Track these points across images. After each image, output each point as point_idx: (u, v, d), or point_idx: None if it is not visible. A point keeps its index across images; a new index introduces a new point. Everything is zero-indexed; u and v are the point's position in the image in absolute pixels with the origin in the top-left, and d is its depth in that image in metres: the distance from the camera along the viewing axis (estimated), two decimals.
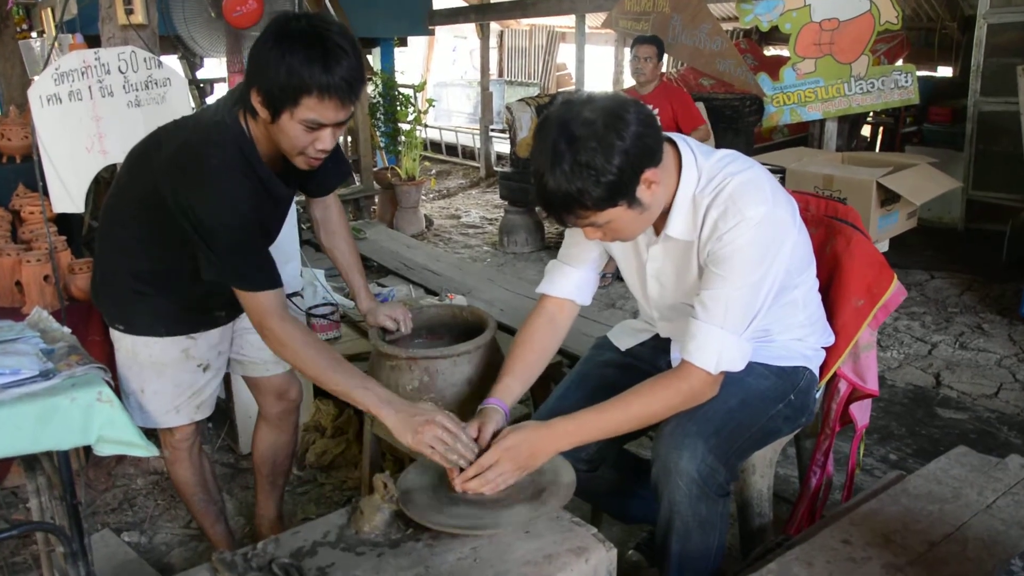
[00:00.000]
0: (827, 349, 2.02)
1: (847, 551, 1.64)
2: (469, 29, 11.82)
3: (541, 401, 2.39)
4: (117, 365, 2.14)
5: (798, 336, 1.92)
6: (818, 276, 1.95)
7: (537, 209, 6.42)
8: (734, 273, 1.64)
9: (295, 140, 1.72)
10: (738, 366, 1.69)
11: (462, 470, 1.67)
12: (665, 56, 5.35)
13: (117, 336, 2.11)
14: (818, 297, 1.97)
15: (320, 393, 3.15)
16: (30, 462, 2.09)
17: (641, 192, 1.60)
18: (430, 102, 8.27)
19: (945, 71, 8.94)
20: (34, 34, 5.33)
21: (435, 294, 4.05)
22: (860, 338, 2.07)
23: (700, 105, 5.74)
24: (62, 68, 2.70)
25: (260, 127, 1.78)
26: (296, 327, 1.82)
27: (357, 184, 6.85)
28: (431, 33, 10.17)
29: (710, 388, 1.71)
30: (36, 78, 2.81)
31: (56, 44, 3.36)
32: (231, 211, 1.75)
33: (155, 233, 1.91)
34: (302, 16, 1.67)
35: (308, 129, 1.70)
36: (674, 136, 1.73)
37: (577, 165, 1.51)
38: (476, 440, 1.72)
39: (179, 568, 2.55)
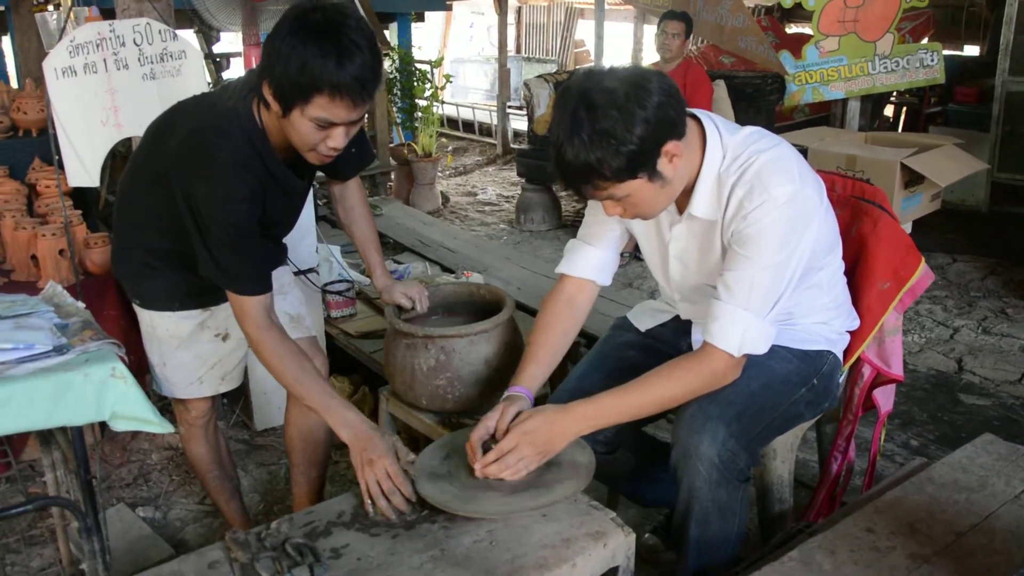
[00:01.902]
0: (851, 333, 1.98)
1: (871, 540, 1.60)
2: (487, 4, 11.70)
3: (558, 381, 2.36)
4: (142, 338, 2.15)
5: (822, 319, 1.88)
6: (843, 258, 1.91)
7: (555, 187, 6.37)
8: (759, 254, 1.60)
9: (306, 137, 1.67)
10: (761, 349, 1.65)
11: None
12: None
13: (137, 310, 2.12)
14: (843, 280, 1.93)
15: (335, 369, 3.13)
16: (45, 437, 2.09)
17: (662, 165, 1.56)
18: (447, 78, 8.19)
19: (972, 50, 8.78)
20: (51, 7, 5.31)
21: (451, 271, 4.02)
22: (885, 322, 2.02)
23: (720, 83, 5.65)
24: (77, 40, 2.67)
25: (273, 118, 1.72)
26: (271, 336, 1.80)
27: (374, 160, 6.81)
28: (448, 8, 10.10)
29: (732, 371, 1.67)
30: (51, 51, 2.78)
31: (72, 16, 3.32)
32: (230, 211, 1.72)
33: (170, 212, 1.86)
34: (319, 8, 1.59)
35: (319, 127, 1.64)
36: (698, 112, 1.69)
37: (596, 134, 1.48)
38: (497, 424, 1.69)
39: (194, 544, 2.55)
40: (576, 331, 1.95)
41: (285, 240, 2.16)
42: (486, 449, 1.67)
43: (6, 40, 6.28)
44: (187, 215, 1.75)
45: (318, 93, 1.58)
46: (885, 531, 1.63)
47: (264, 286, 1.81)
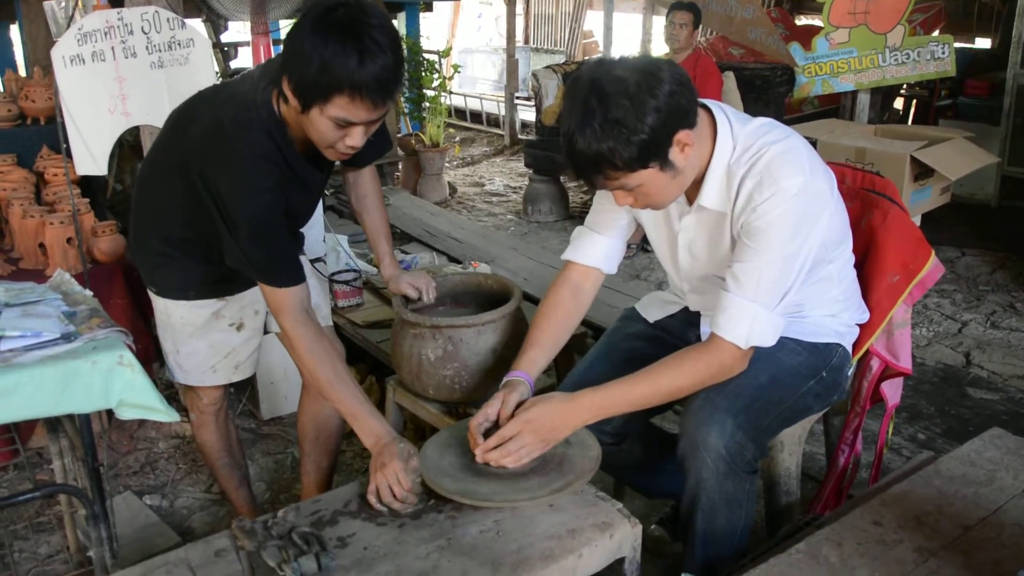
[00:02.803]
0: (860, 326, 1.97)
1: (878, 533, 1.60)
2: None
3: (564, 372, 2.36)
4: (155, 325, 2.17)
5: (832, 312, 1.87)
6: (853, 250, 1.90)
7: (562, 178, 6.36)
8: (768, 246, 1.59)
9: (324, 135, 1.66)
10: (769, 341, 1.65)
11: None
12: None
13: (152, 297, 2.12)
14: (853, 272, 1.92)
15: None
16: (53, 424, 2.10)
17: (674, 154, 1.55)
18: (455, 68, 8.16)
19: (983, 42, 8.72)
20: None
21: (458, 262, 4.02)
22: (894, 315, 2.01)
23: (729, 75, 5.63)
24: (85, 28, 2.67)
25: (292, 112, 1.70)
26: (307, 332, 1.79)
27: (390, 149, 6.79)
28: None
29: (739, 363, 1.66)
30: (59, 39, 2.78)
31: (80, 4, 3.32)
32: (255, 202, 1.72)
33: (189, 202, 1.85)
34: (341, 5, 1.56)
35: (338, 126, 1.63)
36: (709, 103, 1.68)
37: (608, 123, 1.46)
38: (500, 411, 1.69)
39: (200, 532, 2.56)
40: (579, 318, 1.95)
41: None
42: (488, 436, 1.67)
43: (14, 28, 6.28)
44: (213, 209, 1.75)
45: (338, 93, 1.56)
46: (892, 524, 1.62)
47: (297, 276, 1.80)
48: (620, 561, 1.59)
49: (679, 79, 1.51)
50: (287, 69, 1.61)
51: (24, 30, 4.91)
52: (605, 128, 1.47)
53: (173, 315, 2.09)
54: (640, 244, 5.22)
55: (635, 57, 1.55)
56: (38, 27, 4.69)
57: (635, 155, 1.49)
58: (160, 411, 1.79)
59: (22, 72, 5.09)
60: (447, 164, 7.73)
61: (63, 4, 3.78)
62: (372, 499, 1.63)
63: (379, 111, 1.63)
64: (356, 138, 1.67)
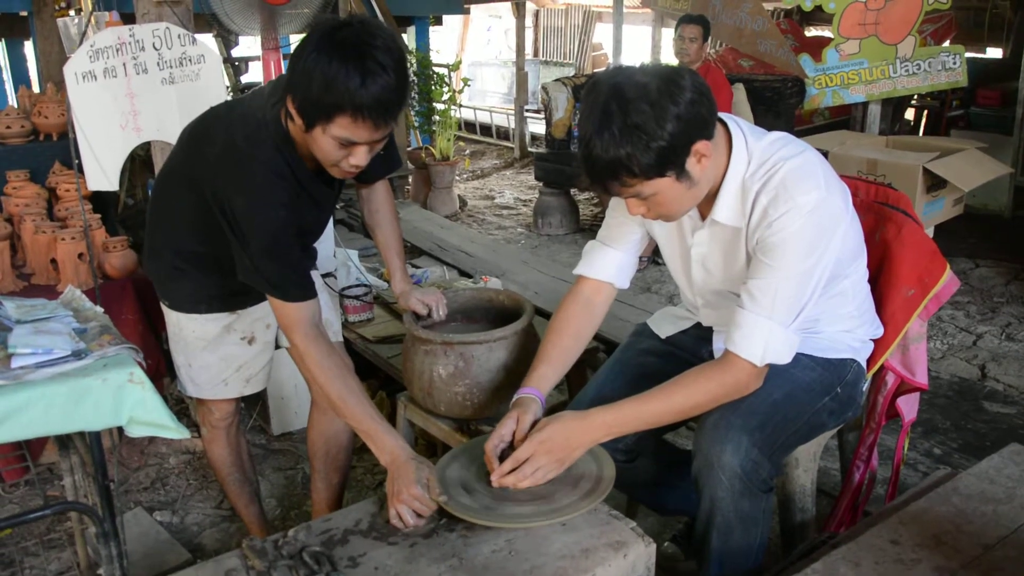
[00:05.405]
0: (875, 341, 1.95)
1: (896, 552, 1.57)
2: (504, 8, 11.70)
3: (577, 388, 2.34)
4: (167, 339, 2.19)
5: (846, 327, 1.85)
6: (867, 265, 1.88)
7: (572, 191, 6.35)
8: (783, 262, 1.57)
9: (328, 153, 1.67)
10: (784, 359, 1.63)
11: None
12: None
13: (165, 311, 2.13)
14: (867, 287, 1.90)
15: None
16: (63, 441, 2.09)
17: (691, 165, 1.53)
18: (465, 81, 8.19)
19: (995, 52, 8.69)
20: (72, 12, 5.36)
21: (469, 276, 4.01)
22: (910, 329, 1.99)
23: (739, 87, 5.62)
24: (97, 45, 2.68)
25: (298, 130, 1.71)
26: (318, 348, 1.78)
27: (400, 166, 6.80)
28: (466, 12, 10.08)
29: (754, 380, 1.65)
30: (72, 55, 2.80)
31: (92, 21, 3.34)
32: (268, 217, 1.72)
33: (201, 216, 1.86)
34: (347, 25, 1.57)
35: (341, 145, 1.63)
36: (724, 116, 1.66)
37: (627, 128, 1.44)
38: (515, 432, 1.67)
39: (210, 548, 2.55)
40: (591, 333, 1.93)
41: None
42: (503, 457, 1.65)
43: (28, 45, 6.34)
44: (225, 226, 1.76)
45: (340, 113, 1.56)
46: (910, 543, 1.60)
47: (309, 291, 1.80)
48: None
49: (700, 88, 1.50)
50: (292, 88, 1.61)
51: (38, 47, 4.95)
52: (624, 133, 1.45)
53: (185, 329, 2.10)
54: (651, 257, 5.21)
55: (655, 64, 1.54)
56: (51, 44, 4.73)
57: (653, 162, 1.47)
58: (170, 428, 1.78)
59: (35, 88, 5.13)
60: (457, 177, 7.73)
61: (76, 21, 3.80)
62: (396, 523, 1.62)
63: (381, 131, 1.63)
64: (359, 157, 1.68)
